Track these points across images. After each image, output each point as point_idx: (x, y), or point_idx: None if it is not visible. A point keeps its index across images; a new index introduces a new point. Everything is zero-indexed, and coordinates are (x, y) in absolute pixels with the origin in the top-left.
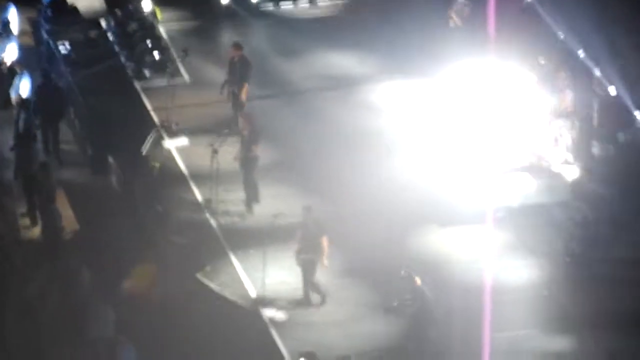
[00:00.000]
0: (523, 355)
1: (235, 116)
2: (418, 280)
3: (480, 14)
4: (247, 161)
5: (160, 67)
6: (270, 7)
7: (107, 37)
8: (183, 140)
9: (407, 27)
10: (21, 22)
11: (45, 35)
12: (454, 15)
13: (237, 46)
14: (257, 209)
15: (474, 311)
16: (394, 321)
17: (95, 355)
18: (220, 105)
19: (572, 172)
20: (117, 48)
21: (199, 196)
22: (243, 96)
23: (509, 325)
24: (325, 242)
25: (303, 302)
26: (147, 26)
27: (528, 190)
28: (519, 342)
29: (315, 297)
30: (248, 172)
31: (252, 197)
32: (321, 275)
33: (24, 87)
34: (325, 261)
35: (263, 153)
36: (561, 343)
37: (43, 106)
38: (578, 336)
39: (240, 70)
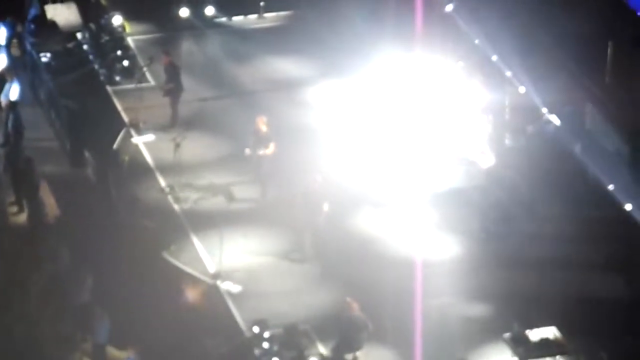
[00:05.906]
0: (448, 319)
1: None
2: (356, 307)
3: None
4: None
5: (129, 73)
6: (223, 19)
7: (82, 48)
8: (149, 137)
9: (343, 31)
10: (9, 35)
11: (28, 47)
12: None
13: (167, 53)
14: (213, 196)
15: (405, 281)
16: (333, 290)
17: (73, 320)
18: (180, 106)
19: (487, 160)
20: (91, 57)
21: (163, 184)
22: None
23: (435, 293)
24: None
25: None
26: (117, 38)
27: (449, 176)
28: (445, 308)
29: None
30: (258, 168)
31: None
32: (265, 254)
33: (13, 92)
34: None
35: (219, 147)
36: (479, 309)
37: None
38: (492, 302)
39: (172, 73)
